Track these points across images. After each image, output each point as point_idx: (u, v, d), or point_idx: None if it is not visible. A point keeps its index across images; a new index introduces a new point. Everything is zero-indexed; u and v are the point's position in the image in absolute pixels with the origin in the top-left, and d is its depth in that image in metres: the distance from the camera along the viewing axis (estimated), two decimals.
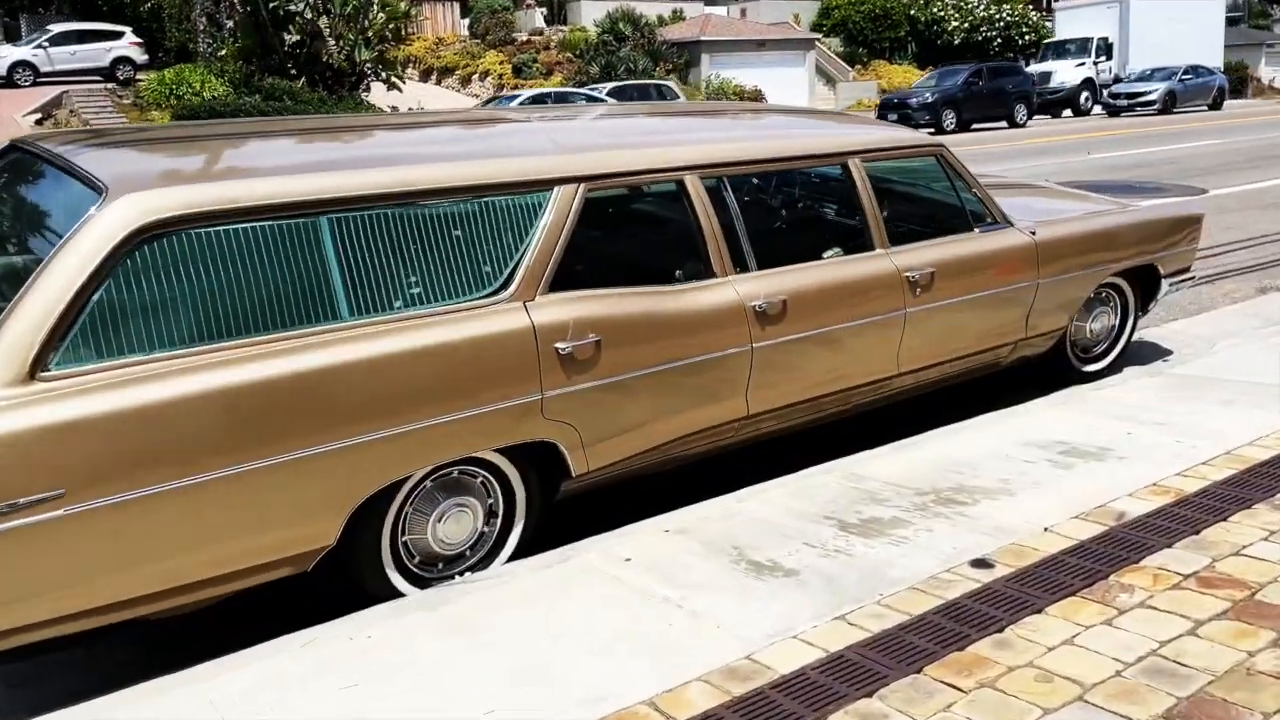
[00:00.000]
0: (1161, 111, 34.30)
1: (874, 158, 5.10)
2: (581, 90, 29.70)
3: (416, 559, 3.87)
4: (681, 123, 5.11)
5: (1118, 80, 37.69)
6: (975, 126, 31.78)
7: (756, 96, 36.94)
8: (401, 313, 3.65)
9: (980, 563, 3.75)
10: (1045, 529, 4.01)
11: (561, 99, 26.66)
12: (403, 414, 3.58)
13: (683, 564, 3.84)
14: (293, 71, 28.18)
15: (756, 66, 40.25)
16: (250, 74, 27.80)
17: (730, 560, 3.86)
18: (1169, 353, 6.86)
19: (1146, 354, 6.80)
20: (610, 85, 30.15)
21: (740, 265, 4.53)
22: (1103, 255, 5.99)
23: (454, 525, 3.89)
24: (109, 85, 31.57)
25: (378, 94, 30.37)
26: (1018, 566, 3.71)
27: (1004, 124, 32.38)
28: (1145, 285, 6.33)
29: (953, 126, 30.68)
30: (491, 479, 3.99)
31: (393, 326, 3.60)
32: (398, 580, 3.79)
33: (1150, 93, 34.90)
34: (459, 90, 38.94)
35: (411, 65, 38.23)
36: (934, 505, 4.29)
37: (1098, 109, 36.95)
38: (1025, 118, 32.92)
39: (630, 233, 4.86)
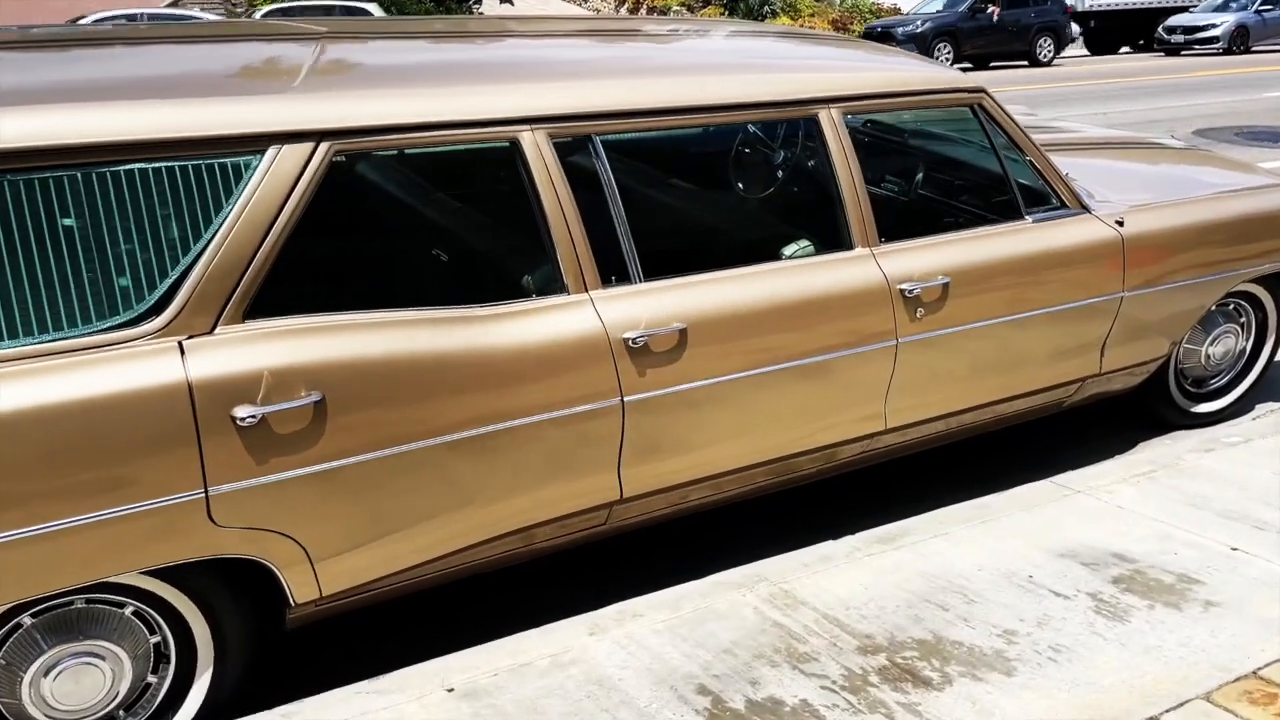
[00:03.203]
0: (1227, 51, 26.76)
1: (865, 108, 3.37)
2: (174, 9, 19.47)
3: None
4: (537, 50, 3.41)
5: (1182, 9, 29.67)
6: (994, 65, 25.03)
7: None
8: None
9: None
10: None
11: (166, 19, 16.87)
12: None
13: None
14: None
15: None
16: None
17: None
18: None
19: None
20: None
21: (614, 275, 2.92)
22: (1233, 253, 4.15)
23: (71, 683, 2.45)
24: None
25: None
26: None
27: (1023, 62, 25.43)
28: None
29: (947, 63, 24.22)
30: (152, 610, 2.53)
31: None
32: None
33: (1214, 26, 27.32)
34: None
35: None
36: (877, 684, 2.66)
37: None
38: (1051, 54, 25.65)
39: (414, 223, 3.27)
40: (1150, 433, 4.41)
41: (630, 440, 2.95)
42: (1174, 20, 27.79)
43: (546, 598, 3.32)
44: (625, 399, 2.89)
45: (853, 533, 3.49)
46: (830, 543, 3.43)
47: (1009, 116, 3.61)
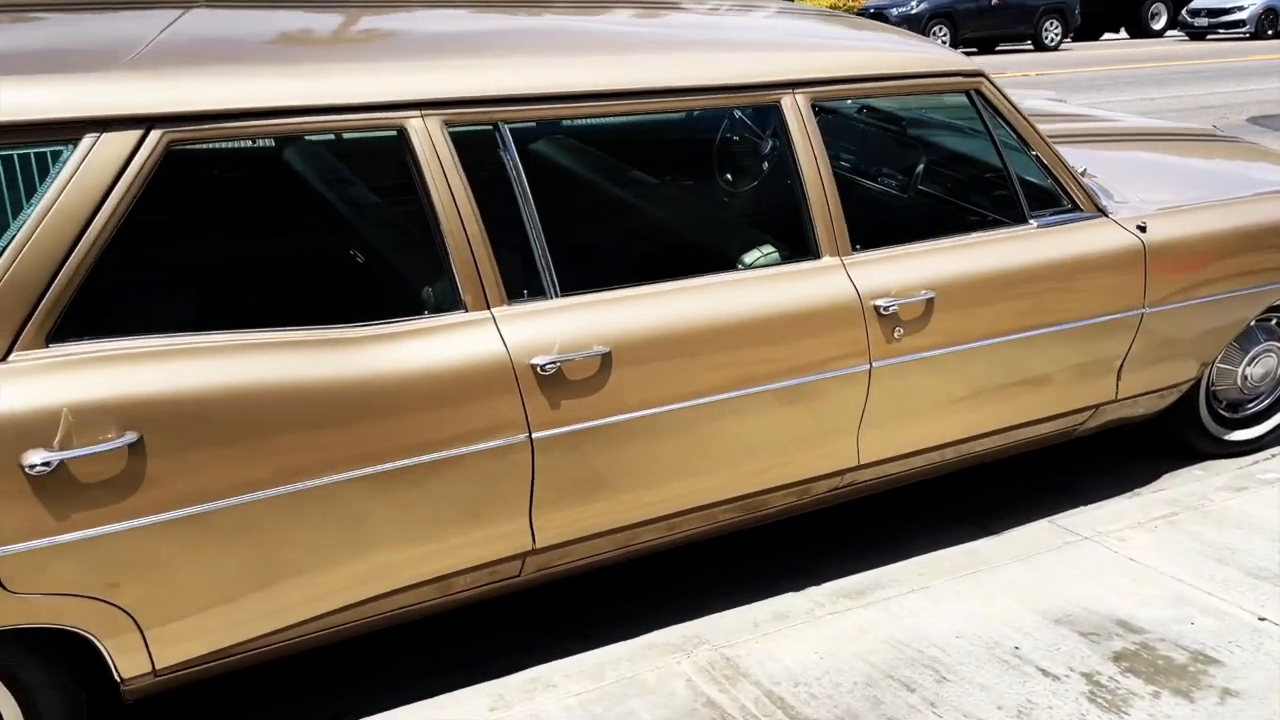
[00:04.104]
0: (1255, 35, 24.87)
1: (837, 93, 2.89)
2: None
3: None
4: (436, 23, 2.88)
5: None
6: (999, 49, 23.24)
7: None
8: None
9: None
10: None
11: None
12: None
13: None
14: None
15: None
16: None
17: None
18: None
19: None
20: None
21: (524, 289, 2.47)
22: (1276, 262, 3.62)
23: None
24: None
25: None
26: None
27: (1028, 45, 23.66)
28: None
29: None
30: None
31: None
32: None
33: (1240, 9, 25.28)
34: None
35: None
36: None
37: (1173, 31, 27.27)
38: (1058, 38, 23.69)
39: (274, 227, 2.82)
40: (1177, 462, 3.91)
41: (543, 483, 2.51)
42: (1198, 3, 25.89)
43: (449, 655, 2.90)
44: (534, 435, 2.45)
45: (818, 583, 3.05)
46: (790, 595, 2.98)
47: (1012, 105, 3.12)
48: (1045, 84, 14.37)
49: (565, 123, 2.57)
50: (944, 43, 20.80)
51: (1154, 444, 3.94)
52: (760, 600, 2.97)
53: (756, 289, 2.71)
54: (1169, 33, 27.02)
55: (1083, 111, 5.23)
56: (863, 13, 22.13)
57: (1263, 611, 2.78)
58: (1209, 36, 25.34)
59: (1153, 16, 26.46)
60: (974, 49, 22.49)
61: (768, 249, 2.92)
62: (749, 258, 2.90)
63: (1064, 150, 4.19)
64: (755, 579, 3.18)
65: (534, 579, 2.71)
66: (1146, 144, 4.59)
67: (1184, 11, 25.99)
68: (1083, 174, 3.58)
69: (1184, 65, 17.56)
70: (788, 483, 2.91)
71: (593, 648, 2.79)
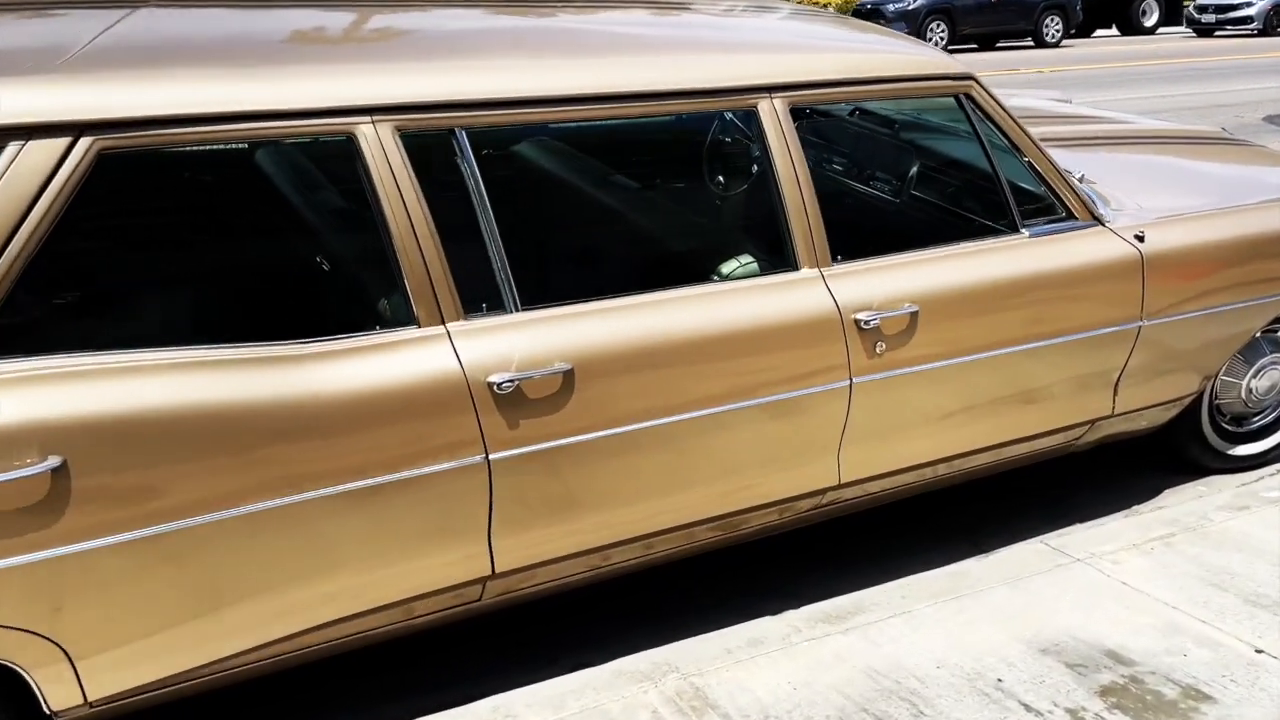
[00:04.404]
0: (1263, 32, 24.44)
1: (817, 98, 2.77)
2: None
3: None
4: (391, 21, 2.72)
5: None
6: (1000, 45, 22.85)
7: None
8: None
9: None
10: None
11: None
12: None
13: None
14: None
15: None
16: None
17: None
18: None
19: None
20: None
21: (483, 303, 2.36)
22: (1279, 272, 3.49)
23: None
24: None
25: None
26: None
27: (1028, 42, 23.11)
28: None
29: (941, 44, 21.05)
30: None
31: None
32: None
33: (1248, 5, 24.72)
34: None
35: None
36: None
37: (1178, 28, 26.94)
38: (1059, 35, 23.14)
39: (216, 239, 2.70)
40: (1178, 478, 3.77)
41: (503, 506, 2.40)
42: None
43: (412, 679, 2.80)
44: (491, 457, 2.34)
45: (796, 606, 2.93)
46: (767, 620, 2.87)
47: (1003, 109, 2.99)
48: (1059, 81, 14.19)
49: (528, 129, 2.45)
50: (942, 39, 21.03)
51: (1155, 459, 3.80)
52: (736, 624, 2.86)
53: (730, 302, 2.59)
54: (1175, 29, 26.61)
55: (1088, 112, 5.09)
56: (858, 10, 21.82)
57: (1260, 643, 2.65)
58: (1216, 33, 24.92)
59: (1144, 13, 26.01)
60: (974, 46, 22.15)
61: (746, 259, 2.81)
62: (726, 269, 2.79)
63: (1066, 154, 4.08)
64: (735, 599, 3.07)
65: (498, 603, 2.61)
66: (1152, 147, 4.45)
67: (1190, 7, 25.48)
68: (1080, 180, 3.46)
69: (1195, 63, 17.31)
70: (764, 502, 2.80)
71: (560, 673, 2.69)
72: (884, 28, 3.21)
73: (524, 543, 2.49)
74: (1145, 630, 2.72)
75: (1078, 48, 22.20)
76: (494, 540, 2.43)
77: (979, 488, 3.48)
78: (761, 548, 3.19)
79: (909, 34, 21.16)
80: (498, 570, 2.47)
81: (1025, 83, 14.60)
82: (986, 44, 22.45)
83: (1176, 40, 23.71)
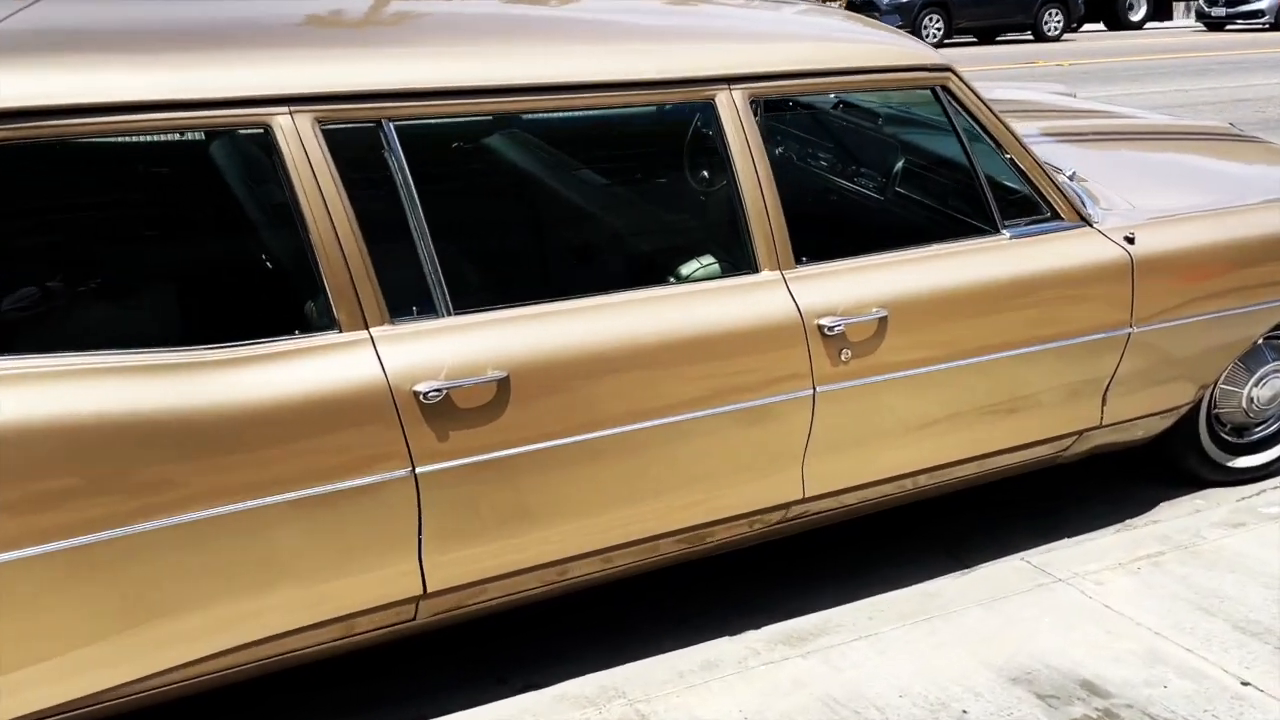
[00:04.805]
0: (1274, 27, 23.56)
1: (781, 89, 2.61)
2: None
3: None
4: (314, 4, 2.55)
5: None
6: (1000, 39, 22.14)
7: None
8: None
9: None
10: None
11: None
12: None
13: None
14: None
15: None
16: None
17: None
18: None
19: None
20: None
21: (414, 306, 2.22)
22: None
23: None
24: None
25: None
26: None
27: (1028, 36, 22.34)
28: None
29: (937, 38, 20.64)
30: None
31: None
32: None
33: None
34: None
35: None
36: None
37: (1187, 20, 26.13)
38: (1059, 29, 22.36)
39: (120, 235, 2.56)
40: (1175, 490, 3.60)
41: (433, 522, 2.26)
42: None
43: (362, 694, 2.66)
44: (418, 470, 2.20)
45: (758, 625, 2.79)
46: (725, 640, 2.72)
47: (983, 102, 2.82)
48: (1078, 76, 13.95)
49: (463, 121, 2.31)
50: (938, 33, 20.43)
51: (1152, 470, 3.63)
52: (695, 644, 2.72)
53: (682, 307, 2.45)
54: (1164, 24, 26.07)
55: (1091, 107, 4.91)
56: (852, 3, 20.94)
57: (1247, 674, 2.48)
58: (1227, 27, 24.37)
59: (1130, 8, 25.44)
60: (973, 40, 21.69)
61: (708, 260, 2.66)
62: (685, 270, 2.64)
63: (1064, 149, 3.91)
64: (698, 616, 2.93)
65: (440, 620, 2.47)
66: (1155, 143, 4.27)
67: (1200, 1, 25.00)
68: (1071, 177, 3.29)
69: (1209, 57, 16.91)
70: (722, 517, 2.65)
71: (505, 695, 2.57)
72: (864, 17, 3.04)
73: (460, 559, 2.35)
74: (1125, 658, 2.56)
75: (1079, 41, 21.67)
76: (425, 558, 2.29)
77: (967, 498, 3.32)
78: (732, 560, 3.03)
79: (903, 27, 19.90)
80: (430, 589, 2.33)
81: (1044, 76, 14.37)
82: (986, 37, 21.93)
83: (1187, 34, 23.22)
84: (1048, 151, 3.63)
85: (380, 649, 2.58)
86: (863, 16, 3.03)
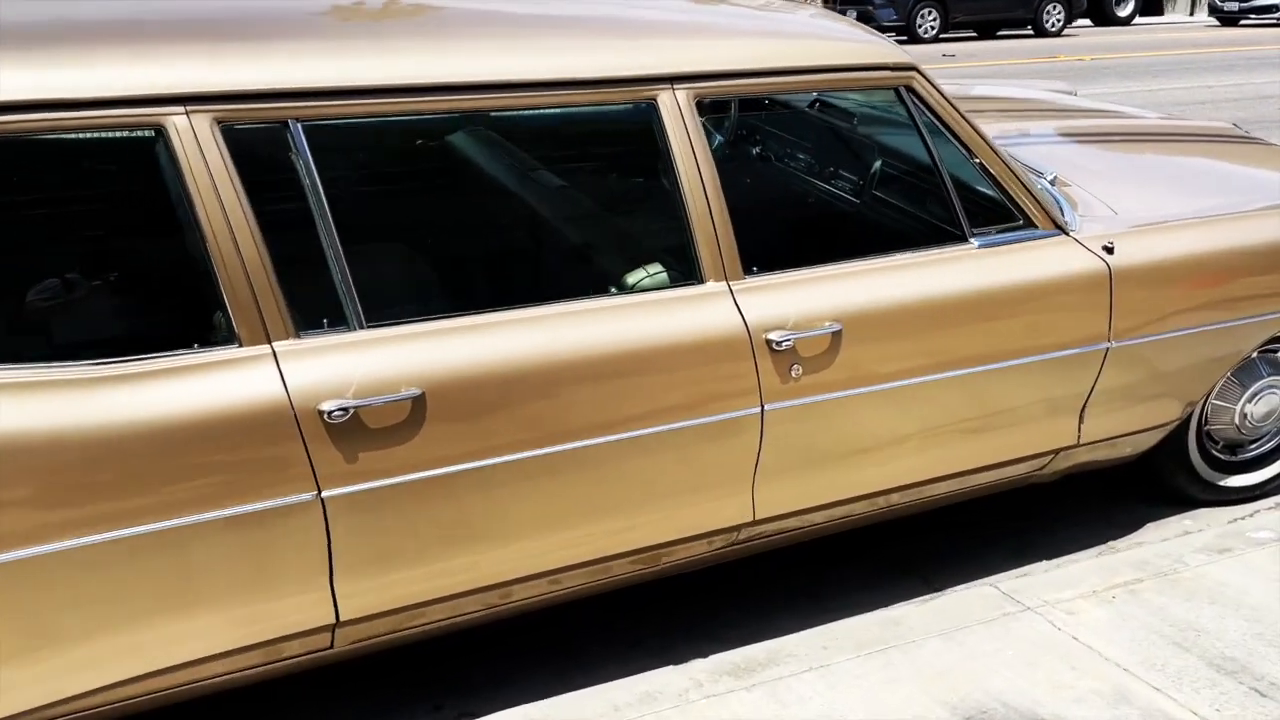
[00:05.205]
0: None
1: (728, 89, 2.47)
2: None
3: None
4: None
5: None
6: (1000, 34, 21.24)
7: None
8: None
9: None
10: None
11: None
12: None
13: None
14: None
15: None
16: None
17: None
18: None
19: None
20: None
21: (324, 318, 2.09)
22: (1276, 287, 3.13)
23: None
24: None
25: None
26: None
27: (1028, 31, 21.58)
28: None
29: (933, 33, 20.04)
30: None
31: None
32: None
33: None
34: None
35: None
36: None
37: (1177, 16, 25.53)
38: (1061, 23, 21.56)
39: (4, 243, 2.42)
40: (1163, 509, 3.44)
41: (344, 548, 2.13)
42: None
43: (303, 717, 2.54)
44: (324, 494, 2.07)
45: (707, 653, 2.65)
46: (668, 670, 2.59)
47: (950, 103, 2.66)
48: (1098, 71, 13.70)
49: (379, 122, 2.17)
50: (933, 27, 19.79)
51: (1140, 487, 3.46)
52: (637, 673, 2.59)
53: (618, 320, 2.31)
54: (1152, 19, 25.47)
55: (1091, 106, 4.73)
56: None
57: (1217, 717, 2.32)
58: (1241, 23, 23.84)
59: (1118, 3, 24.82)
60: (973, 34, 21.15)
61: (655, 269, 2.52)
62: (632, 279, 2.50)
63: (1059, 150, 3.75)
64: (651, 638, 2.80)
65: (360, 649, 2.34)
66: (1153, 144, 4.10)
67: None
68: (1052, 182, 3.13)
69: (1226, 53, 16.52)
70: (668, 540, 2.51)
71: None
72: (832, 12, 2.88)
73: (378, 586, 2.22)
74: (1088, 698, 2.40)
75: (1081, 36, 21.12)
76: (337, 585, 2.16)
77: (944, 516, 3.17)
78: (693, 580, 2.89)
79: (897, 21, 19.48)
80: (344, 617, 2.20)
81: (1066, 71, 14.11)
82: (985, 33, 21.24)
83: (1199, 30, 22.75)
84: (1038, 153, 3.48)
85: (312, 674, 2.46)
86: (831, 12, 2.87)
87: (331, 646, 2.28)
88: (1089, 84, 12.20)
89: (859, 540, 3.09)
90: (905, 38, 19.56)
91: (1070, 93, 5.00)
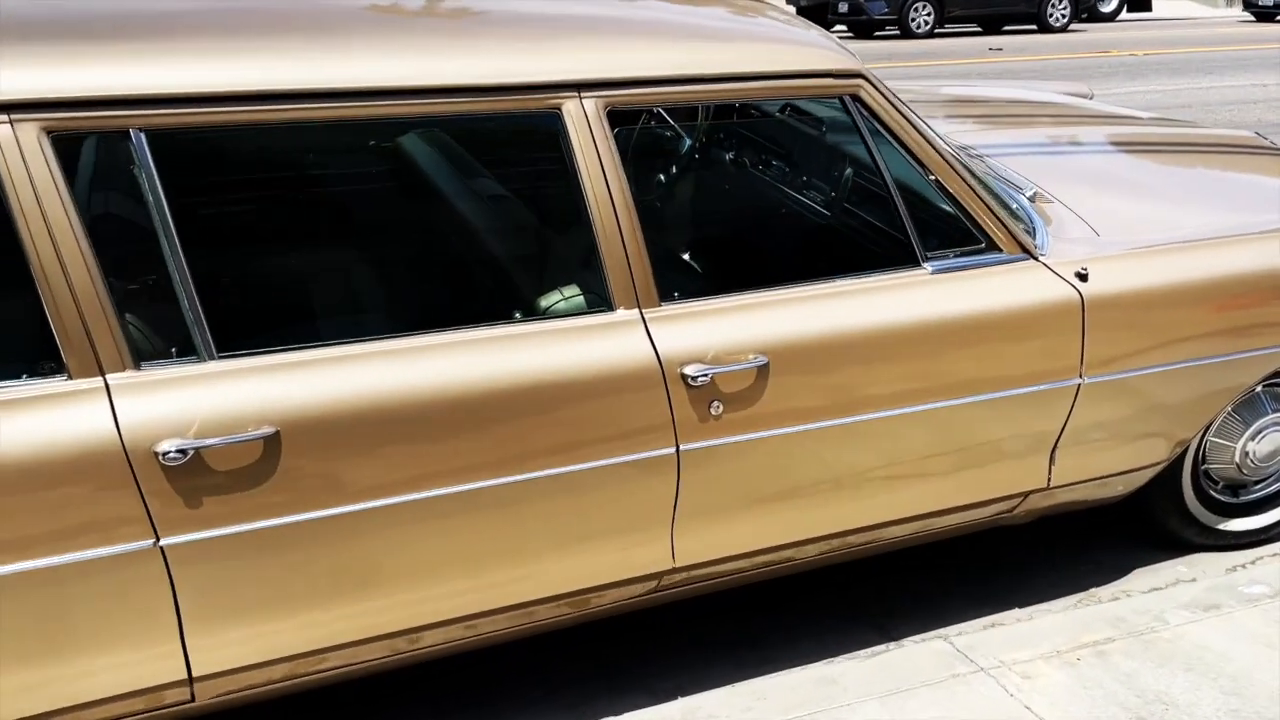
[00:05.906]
0: None
1: (644, 98, 2.23)
2: None
3: None
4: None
5: None
6: (1006, 29, 20.07)
7: None
8: None
9: None
10: None
11: None
12: None
13: None
14: None
15: None
16: None
17: None
18: None
19: None
20: None
21: (172, 348, 1.90)
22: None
23: None
24: None
25: None
26: None
27: (1031, 27, 20.40)
28: None
29: (927, 27, 19.09)
30: None
31: None
32: None
33: None
34: None
35: None
36: None
37: (1144, 15, 23.99)
38: (1065, 19, 20.48)
39: None
40: (1156, 554, 3.16)
41: (191, 600, 1.94)
42: None
43: None
44: (163, 542, 1.88)
45: (618, 711, 2.42)
46: None
47: (904, 116, 2.41)
48: (1139, 67, 13.21)
49: (237, 131, 1.97)
50: (926, 22, 18.86)
51: (1131, 525, 3.19)
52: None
53: (510, 350, 2.09)
54: (1140, 15, 24.45)
55: (1104, 111, 4.42)
56: None
57: None
58: (1278, 18, 22.95)
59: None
60: (978, 30, 20.26)
61: (571, 293, 2.30)
62: (544, 303, 2.29)
63: (1057, 161, 3.49)
64: (567, 687, 2.58)
65: (225, 702, 2.15)
66: (1164, 155, 3.79)
67: None
68: (1032, 198, 2.86)
69: (1267, 49, 15.82)
70: (575, 590, 2.29)
71: None
72: (777, 10, 2.63)
73: (237, 639, 2.03)
74: None
75: (1090, 33, 20.04)
76: (188, 639, 1.97)
77: (912, 555, 2.90)
78: (594, 632, 2.67)
79: (889, 14, 18.63)
80: (198, 673, 2.01)
81: (1119, 65, 13.64)
82: (990, 27, 20.23)
83: (1233, 25, 21.86)
84: (1028, 164, 3.21)
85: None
86: (779, 9, 2.61)
87: (192, 700, 2.09)
88: (1136, 82, 11.76)
89: (818, 578, 2.85)
90: (898, 32, 18.85)
91: (1086, 95, 4.70)
